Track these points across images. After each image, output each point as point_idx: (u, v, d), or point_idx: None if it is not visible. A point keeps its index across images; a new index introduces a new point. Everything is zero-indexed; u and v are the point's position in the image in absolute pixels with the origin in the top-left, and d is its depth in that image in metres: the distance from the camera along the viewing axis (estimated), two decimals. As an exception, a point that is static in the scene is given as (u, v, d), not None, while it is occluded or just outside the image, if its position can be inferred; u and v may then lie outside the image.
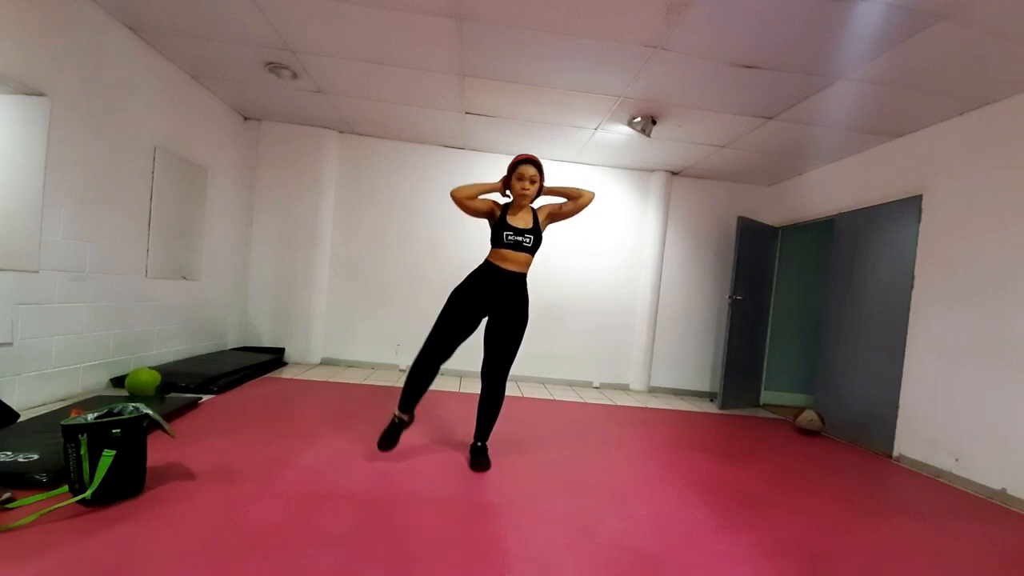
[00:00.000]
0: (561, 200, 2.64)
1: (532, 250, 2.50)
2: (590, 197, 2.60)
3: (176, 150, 3.83)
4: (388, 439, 2.45)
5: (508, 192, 2.53)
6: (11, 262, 2.61)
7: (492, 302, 2.47)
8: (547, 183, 2.58)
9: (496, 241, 2.47)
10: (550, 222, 2.60)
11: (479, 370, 2.57)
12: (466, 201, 2.47)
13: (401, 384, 2.51)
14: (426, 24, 2.90)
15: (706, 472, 2.82)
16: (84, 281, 3.04)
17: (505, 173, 2.53)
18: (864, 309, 3.96)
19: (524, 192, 2.45)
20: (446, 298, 2.50)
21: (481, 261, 2.53)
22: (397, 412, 2.48)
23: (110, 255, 3.24)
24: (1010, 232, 2.95)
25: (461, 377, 4.85)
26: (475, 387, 2.63)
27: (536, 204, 2.58)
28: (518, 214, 2.50)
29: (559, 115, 4.08)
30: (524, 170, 2.45)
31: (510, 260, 2.46)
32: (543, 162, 2.54)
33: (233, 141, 4.69)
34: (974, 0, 2.23)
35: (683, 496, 2.41)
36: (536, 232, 2.50)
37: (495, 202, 2.55)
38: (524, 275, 2.52)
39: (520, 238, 2.45)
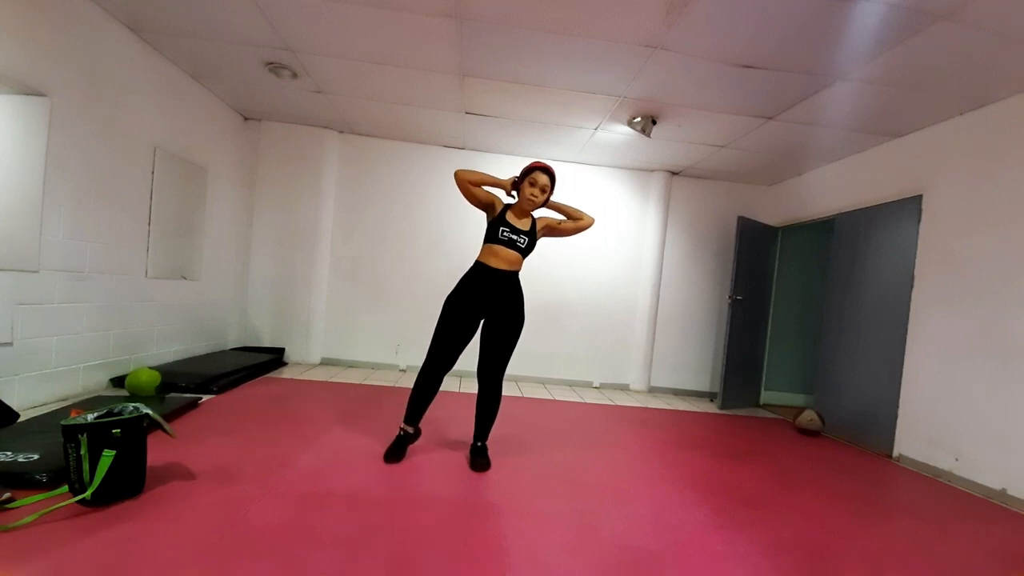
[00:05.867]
0: (561, 217, 2.65)
1: (524, 251, 2.50)
2: (590, 222, 2.63)
3: (176, 150, 3.83)
4: (395, 452, 2.47)
5: (514, 194, 2.54)
6: (11, 262, 2.61)
7: (486, 302, 2.46)
8: (553, 198, 2.60)
9: (491, 236, 2.47)
10: (546, 234, 2.62)
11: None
12: (469, 185, 2.47)
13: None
14: (426, 24, 2.90)
15: (706, 472, 2.82)
16: (84, 281, 3.04)
17: (517, 176, 2.53)
18: (864, 309, 3.96)
19: (532, 199, 2.46)
20: (444, 300, 2.50)
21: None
22: (403, 425, 2.51)
23: (110, 255, 3.24)
24: (1010, 232, 2.95)
25: (461, 377, 4.84)
26: (474, 387, 2.62)
27: (537, 214, 2.60)
28: (519, 217, 2.51)
29: (559, 115, 4.08)
30: (538, 177, 2.45)
31: (501, 257, 2.45)
32: (547, 161, 2.54)
33: (233, 141, 4.69)
34: (974, 0, 2.23)
35: (683, 496, 2.41)
36: (531, 236, 2.51)
37: (498, 198, 2.55)
38: (516, 273, 2.52)
39: (515, 237, 2.46)
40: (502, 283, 2.47)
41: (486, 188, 2.53)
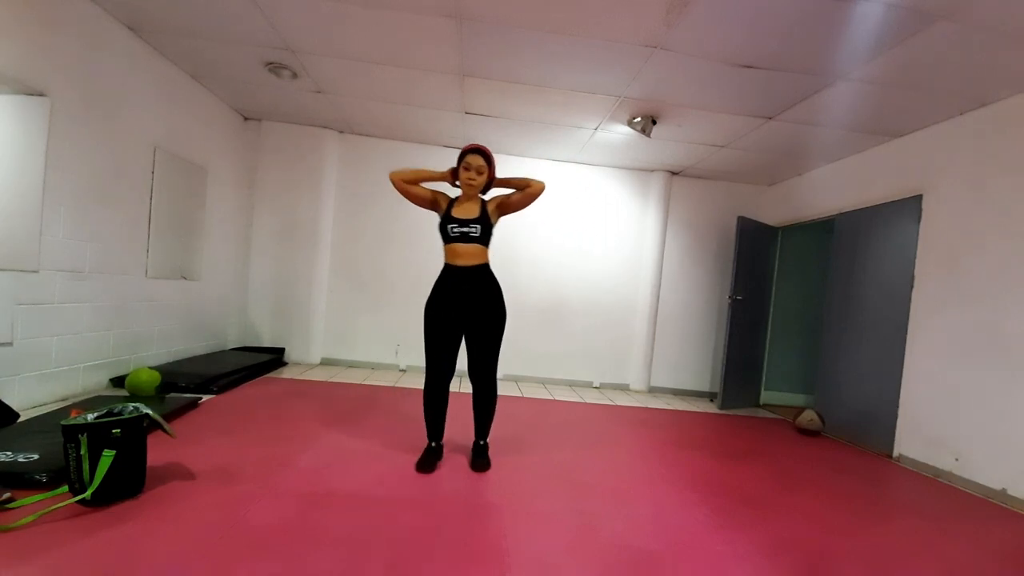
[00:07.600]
0: (510, 191, 2.53)
1: (482, 240, 2.42)
2: (539, 187, 2.46)
3: (176, 150, 3.83)
4: (424, 462, 2.41)
5: (458, 183, 2.48)
6: (11, 262, 2.61)
7: (462, 302, 2.42)
8: (500, 175, 2.54)
9: (444, 237, 2.45)
10: (500, 213, 2.52)
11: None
12: (403, 184, 2.42)
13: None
14: (426, 24, 2.90)
15: (706, 472, 2.82)
16: (84, 281, 3.04)
17: (455, 164, 2.48)
18: (864, 309, 3.96)
19: (470, 183, 2.40)
20: (424, 309, 2.48)
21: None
22: (428, 439, 2.52)
23: (110, 255, 3.24)
24: (1010, 232, 2.95)
25: (461, 378, 4.84)
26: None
27: (488, 196, 2.53)
28: (464, 205, 2.45)
29: (559, 115, 4.08)
30: (471, 160, 2.39)
31: (462, 255, 2.42)
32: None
33: (233, 141, 4.69)
34: (974, 0, 2.23)
35: (683, 496, 2.41)
36: (484, 221, 2.42)
37: (440, 192, 2.50)
38: (485, 266, 2.46)
39: (466, 229, 2.39)
40: (473, 279, 2.43)
41: (425, 184, 2.47)
